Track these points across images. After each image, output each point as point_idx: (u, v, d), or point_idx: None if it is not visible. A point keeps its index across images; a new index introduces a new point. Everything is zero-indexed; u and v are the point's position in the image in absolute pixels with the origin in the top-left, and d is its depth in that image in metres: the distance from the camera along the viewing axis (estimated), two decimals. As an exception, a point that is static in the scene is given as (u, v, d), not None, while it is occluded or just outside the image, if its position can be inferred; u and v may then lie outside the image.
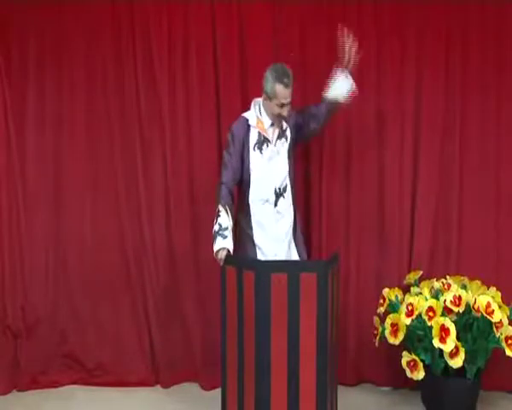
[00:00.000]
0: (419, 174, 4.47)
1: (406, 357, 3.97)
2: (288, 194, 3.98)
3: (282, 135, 3.96)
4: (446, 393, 4.02)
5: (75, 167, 4.56)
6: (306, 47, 4.51)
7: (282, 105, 3.81)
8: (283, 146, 3.97)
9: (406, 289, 4.29)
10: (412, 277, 4.35)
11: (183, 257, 4.57)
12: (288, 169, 3.98)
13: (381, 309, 4.20)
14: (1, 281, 4.49)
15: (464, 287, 4.08)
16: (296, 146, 4.11)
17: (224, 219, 3.74)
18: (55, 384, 4.54)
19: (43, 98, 4.53)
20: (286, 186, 3.97)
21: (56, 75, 4.53)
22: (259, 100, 3.94)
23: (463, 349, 3.79)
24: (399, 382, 4.44)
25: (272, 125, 3.92)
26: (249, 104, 4.47)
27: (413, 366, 3.95)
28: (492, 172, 4.44)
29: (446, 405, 4.02)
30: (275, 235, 3.92)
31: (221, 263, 3.66)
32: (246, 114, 3.97)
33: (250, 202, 3.91)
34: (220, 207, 3.77)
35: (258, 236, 3.91)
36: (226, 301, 3.58)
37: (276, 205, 3.92)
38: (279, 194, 3.93)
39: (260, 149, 3.89)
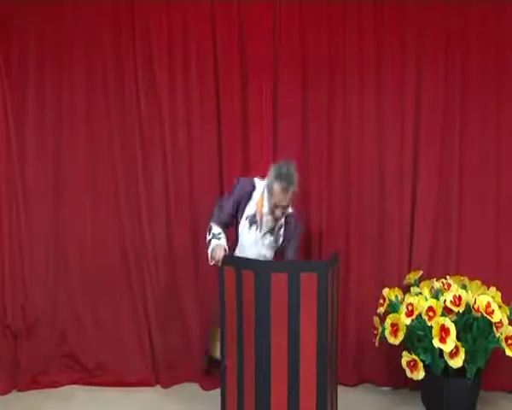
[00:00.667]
0: (419, 174, 4.47)
1: (406, 357, 3.97)
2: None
3: (273, 233, 3.91)
4: (446, 393, 4.02)
5: (75, 167, 4.57)
6: (306, 47, 4.51)
7: (276, 205, 3.78)
8: (269, 241, 3.92)
9: (406, 290, 4.29)
10: (412, 277, 4.35)
11: (183, 257, 4.57)
12: (272, 256, 3.99)
13: (381, 309, 4.20)
14: (1, 281, 4.50)
15: (464, 287, 4.08)
16: None
17: (216, 229, 3.82)
18: (55, 384, 4.55)
19: (43, 98, 4.54)
20: (270, 257, 4.00)
21: (56, 75, 4.53)
22: None
23: (463, 349, 3.79)
24: (399, 382, 4.44)
25: (269, 213, 3.87)
26: (249, 104, 4.52)
27: (413, 366, 3.95)
28: (492, 172, 4.45)
29: (446, 405, 4.02)
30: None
31: (219, 264, 3.66)
32: (257, 181, 3.94)
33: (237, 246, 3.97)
34: (212, 223, 3.86)
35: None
36: (225, 301, 3.58)
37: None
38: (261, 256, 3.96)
39: (250, 224, 3.90)
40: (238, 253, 3.93)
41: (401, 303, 4.06)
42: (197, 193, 4.56)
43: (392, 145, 4.50)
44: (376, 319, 4.23)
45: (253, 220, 3.89)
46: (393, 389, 4.52)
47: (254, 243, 3.91)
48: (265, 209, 3.85)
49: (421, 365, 3.93)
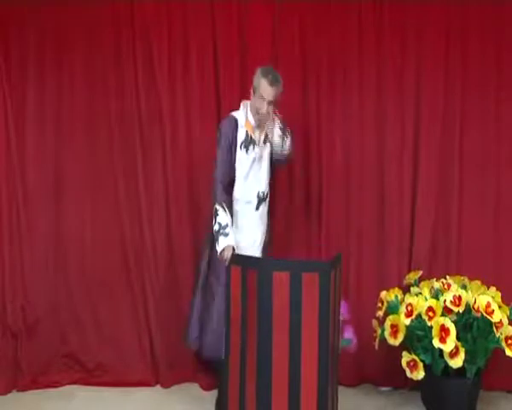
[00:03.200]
0: (419, 174, 4.47)
1: (406, 357, 3.97)
2: (267, 201, 4.09)
3: (266, 140, 4.02)
4: (446, 393, 4.02)
5: (75, 167, 4.57)
6: (306, 47, 4.51)
7: (263, 100, 3.84)
8: (267, 150, 4.04)
9: (406, 290, 4.29)
10: (412, 277, 4.35)
11: (183, 257, 4.57)
12: (269, 175, 4.07)
13: (380, 313, 4.18)
14: (1, 281, 4.50)
15: (464, 287, 4.08)
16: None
17: (223, 218, 3.80)
18: (55, 384, 4.54)
19: (43, 98, 4.53)
20: (267, 193, 4.07)
21: (56, 75, 4.53)
22: (248, 102, 3.98)
23: (463, 349, 3.79)
24: (399, 382, 4.44)
25: (258, 127, 3.96)
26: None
27: (413, 366, 3.95)
28: (492, 172, 4.45)
29: (446, 405, 4.02)
30: (252, 240, 3.99)
31: (226, 263, 3.66)
32: (234, 113, 4.01)
33: (234, 200, 3.97)
34: (217, 206, 3.84)
35: (237, 237, 3.88)
36: (230, 300, 3.58)
37: (257, 209, 4.01)
38: (262, 199, 4.02)
39: (247, 148, 3.94)
40: (237, 190, 3.95)
41: (401, 303, 4.06)
42: (197, 193, 4.56)
43: (392, 145, 4.49)
44: (375, 323, 4.23)
45: (247, 141, 3.94)
46: (393, 389, 4.52)
47: (254, 163, 3.96)
48: (254, 124, 3.94)
49: (421, 365, 3.93)
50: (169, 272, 4.59)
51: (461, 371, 3.94)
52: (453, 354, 3.80)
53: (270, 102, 3.84)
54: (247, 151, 3.94)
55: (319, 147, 4.54)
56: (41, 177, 4.55)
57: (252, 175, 3.98)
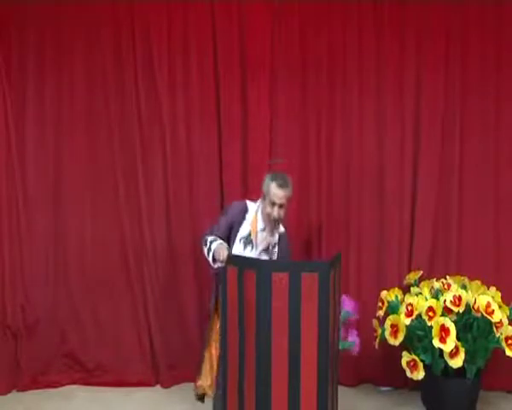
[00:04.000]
0: (419, 174, 4.47)
1: (406, 357, 3.97)
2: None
3: (268, 251, 3.95)
4: (446, 393, 4.02)
5: (75, 167, 4.57)
6: (306, 47, 4.52)
7: (274, 204, 3.77)
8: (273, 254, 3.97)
9: (406, 290, 4.29)
10: (412, 277, 4.35)
11: (183, 257, 4.58)
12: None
13: (381, 312, 4.19)
14: (1, 281, 4.50)
15: (464, 287, 4.08)
16: None
17: (211, 237, 3.79)
18: (55, 384, 4.55)
19: (43, 98, 4.54)
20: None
21: (56, 75, 4.53)
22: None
23: (463, 349, 3.79)
24: (399, 382, 4.45)
25: (263, 230, 3.88)
26: (248, 104, 4.52)
27: (413, 366, 3.95)
28: (492, 172, 4.45)
29: (446, 405, 4.02)
30: None
31: (223, 263, 3.65)
32: (249, 203, 3.93)
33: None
34: (206, 237, 3.81)
35: None
36: (227, 301, 3.57)
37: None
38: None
39: (244, 245, 3.91)
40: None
41: (401, 303, 4.06)
42: (197, 193, 4.57)
43: (392, 145, 4.50)
44: (375, 322, 4.23)
45: (247, 241, 3.90)
46: (393, 389, 4.53)
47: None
48: (260, 227, 3.87)
49: (421, 365, 3.93)
50: (169, 272, 4.60)
51: (461, 372, 3.94)
52: (453, 354, 3.80)
53: (280, 206, 3.77)
54: (244, 248, 3.90)
55: (319, 147, 4.54)
56: (41, 177, 4.56)
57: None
